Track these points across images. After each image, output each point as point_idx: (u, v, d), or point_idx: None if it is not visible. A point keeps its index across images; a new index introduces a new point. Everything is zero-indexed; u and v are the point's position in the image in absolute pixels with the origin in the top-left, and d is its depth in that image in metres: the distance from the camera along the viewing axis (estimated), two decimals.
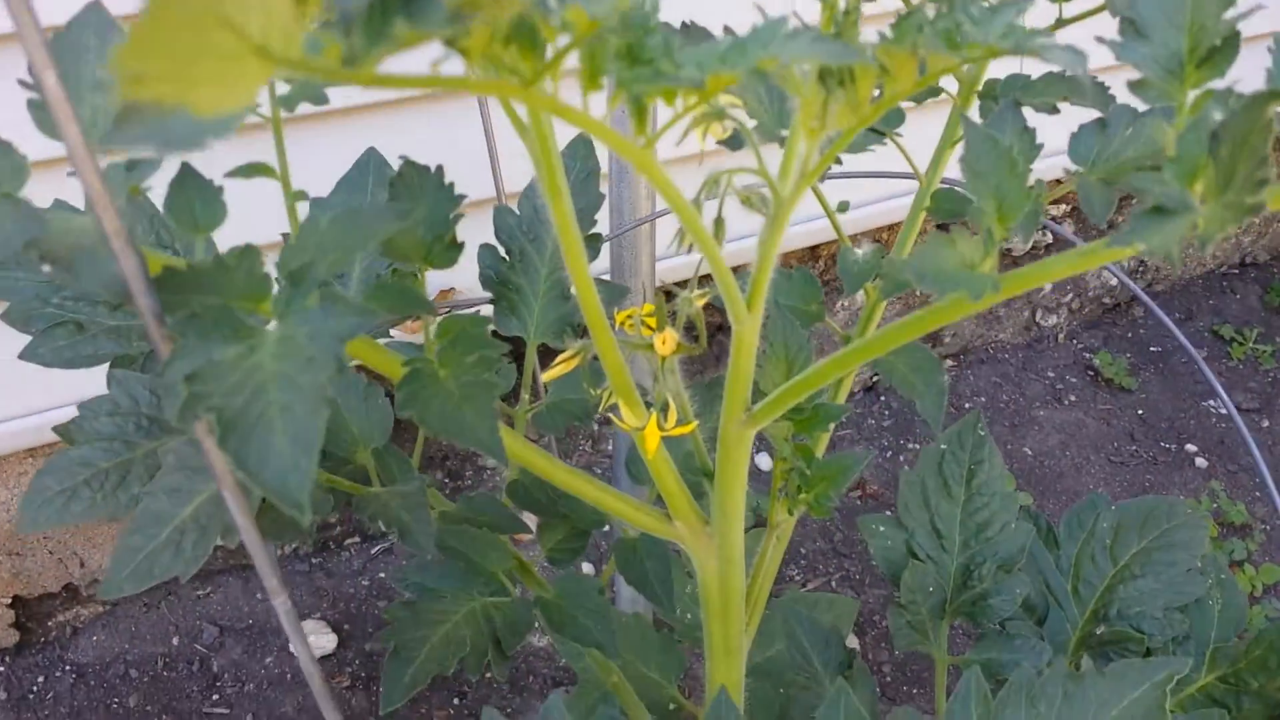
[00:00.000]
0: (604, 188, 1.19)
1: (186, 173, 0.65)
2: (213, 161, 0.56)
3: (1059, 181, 0.90)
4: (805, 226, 1.87)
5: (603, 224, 1.19)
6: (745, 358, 0.72)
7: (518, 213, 1.07)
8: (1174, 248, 0.48)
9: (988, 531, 1.07)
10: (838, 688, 0.70)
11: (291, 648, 1.71)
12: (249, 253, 0.57)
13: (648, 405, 0.76)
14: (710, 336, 2.03)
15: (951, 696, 0.72)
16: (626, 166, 1.28)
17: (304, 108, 0.64)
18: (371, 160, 0.89)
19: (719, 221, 0.65)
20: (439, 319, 0.69)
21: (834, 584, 1.95)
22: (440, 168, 0.72)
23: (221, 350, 0.50)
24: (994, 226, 0.60)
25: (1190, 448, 2.30)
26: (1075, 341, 2.50)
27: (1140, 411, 2.36)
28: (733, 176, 0.64)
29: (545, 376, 0.78)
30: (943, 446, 1.09)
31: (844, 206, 0.89)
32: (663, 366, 0.74)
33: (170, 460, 0.89)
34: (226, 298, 0.56)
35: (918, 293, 2.29)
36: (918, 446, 2.22)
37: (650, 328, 0.76)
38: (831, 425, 0.84)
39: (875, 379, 2.34)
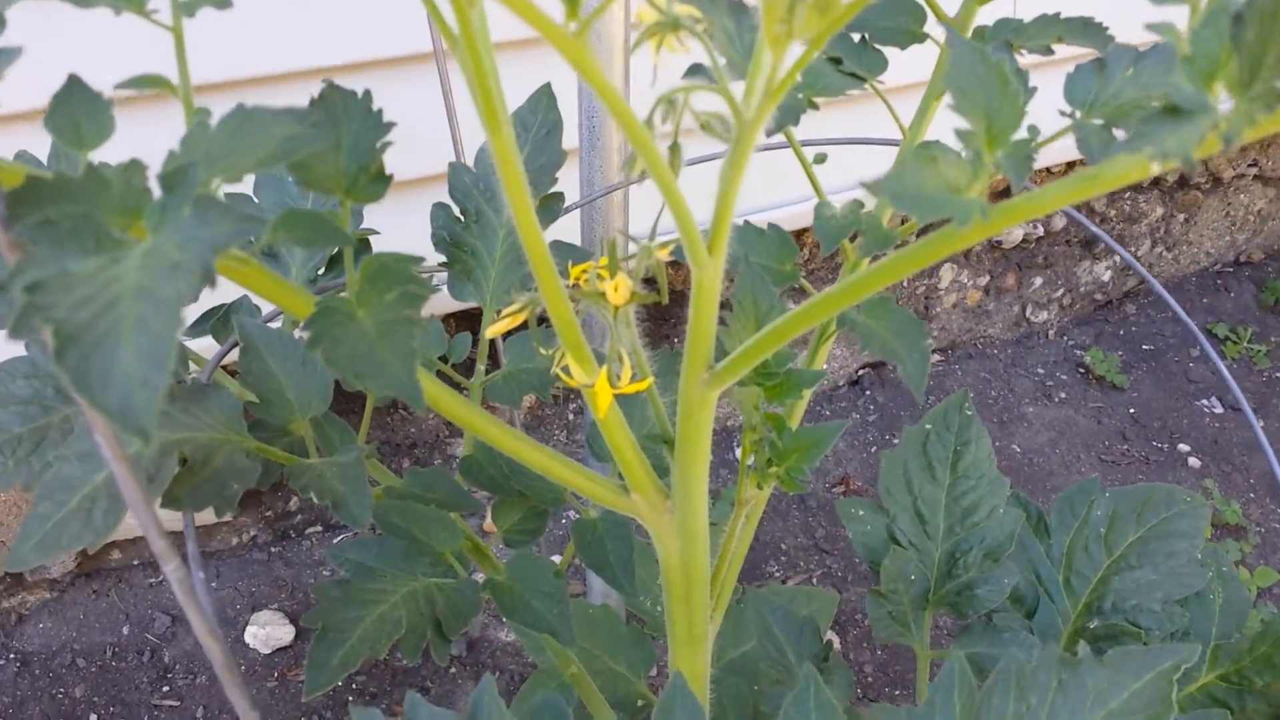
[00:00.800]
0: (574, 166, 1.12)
1: (74, 83, 0.58)
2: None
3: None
4: (787, 210, 1.80)
5: (572, 195, 1.12)
6: (706, 307, 0.65)
7: (474, 170, 1.00)
8: (1190, 151, 0.41)
9: (974, 516, 1.00)
10: (806, 673, 0.62)
11: (247, 637, 1.63)
12: (133, 166, 0.50)
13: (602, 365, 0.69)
14: (675, 303, 1.96)
15: (933, 684, 0.65)
16: (598, 131, 1.20)
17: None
18: None
19: (675, 148, 0.58)
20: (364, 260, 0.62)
21: (815, 580, 1.88)
22: (368, 92, 0.65)
23: (79, 262, 0.43)
24: (983, 148, 0.53)
25: (1183, 447, 2.24)
26: (1066, 338, 2.44)
27: (1132, 410, 2.30)
28: (689, 97, 0.57)
29: (489, 331, 0.71)
30: (927, 426, 1.02)
31: (822, 158, 0.82)
32: (616, 318, 0.66)
33: (84, 423, 0.81)
34: (97, 211, 0.49)
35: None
36: None
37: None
38: (806, 393, 0.77)
39: (860, 372, 2.27)
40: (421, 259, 0.64)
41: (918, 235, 0.79)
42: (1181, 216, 2.49)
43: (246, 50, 1.33)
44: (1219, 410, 2.31)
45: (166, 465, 0.80)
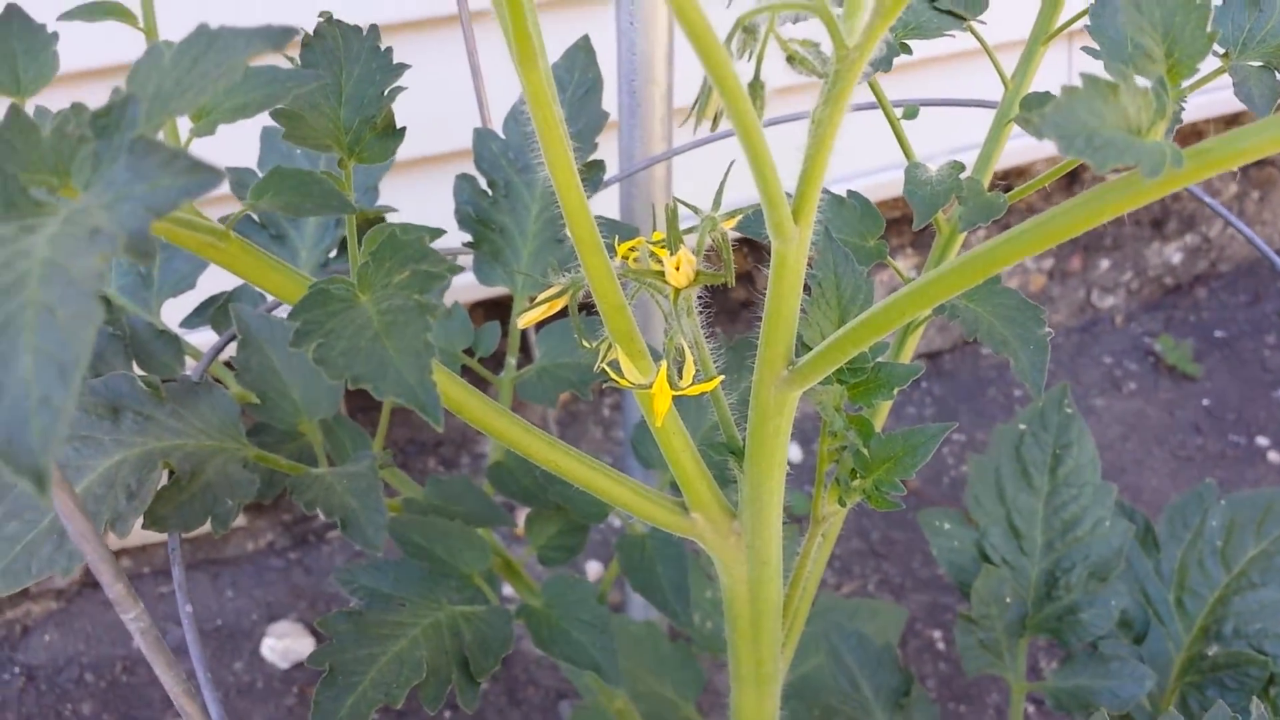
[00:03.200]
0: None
1: (13, 12, 0.47)
2: None
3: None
4: (872, 180, 1.66)
5: (612, 168, 0.99)
6: (789, 290, 0.53)
7: (503, 137, 0.88)
8: None
9: (1076, 530, 0.87)
10: None
11: (264, 650, 1.53)
12: (73, 110, 0.38)
13: (658, 362, 0.57)
14: (722, 288, 1.84)
15: None
16: (639, 97, 1.08)
17: None
18: None
19: (756, 85, 0.46)
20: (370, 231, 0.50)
21: (871, 588, 1.75)
22: (374, 27, 0.53)
23: None
24: (1165, 77, 0.41)
25: (1261, 441, 2.09)
26: (1134, 324, 2.29)
27: (1205, 401, 2.15)
28: (775, 19, 0.45)
29: (523, 320, 0.59)
30: (1021, 426, 0.89)
31: (912, 112, 0.70)
32: (676, 303, 0.54)
33: None
34: (18, 168, 0.37)
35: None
36: (963, 437, 2.02)
37: (662, 262, 0.57)
38: (895, 393, 0.65)
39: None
40: (441, 231, 0.52)
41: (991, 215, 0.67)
42: (1256, 194, 2.34)
43: (245, 8, 1.22)
44: None
45: (149, 479, 0.69)
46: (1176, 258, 2.32)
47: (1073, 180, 2.11)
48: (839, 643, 0.89)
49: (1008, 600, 0.84)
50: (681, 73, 1.12)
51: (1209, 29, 0.43)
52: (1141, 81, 0.40)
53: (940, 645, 1.70)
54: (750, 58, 0.48)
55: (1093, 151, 0.37)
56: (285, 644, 1.53)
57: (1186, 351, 2.21)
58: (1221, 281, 2.41)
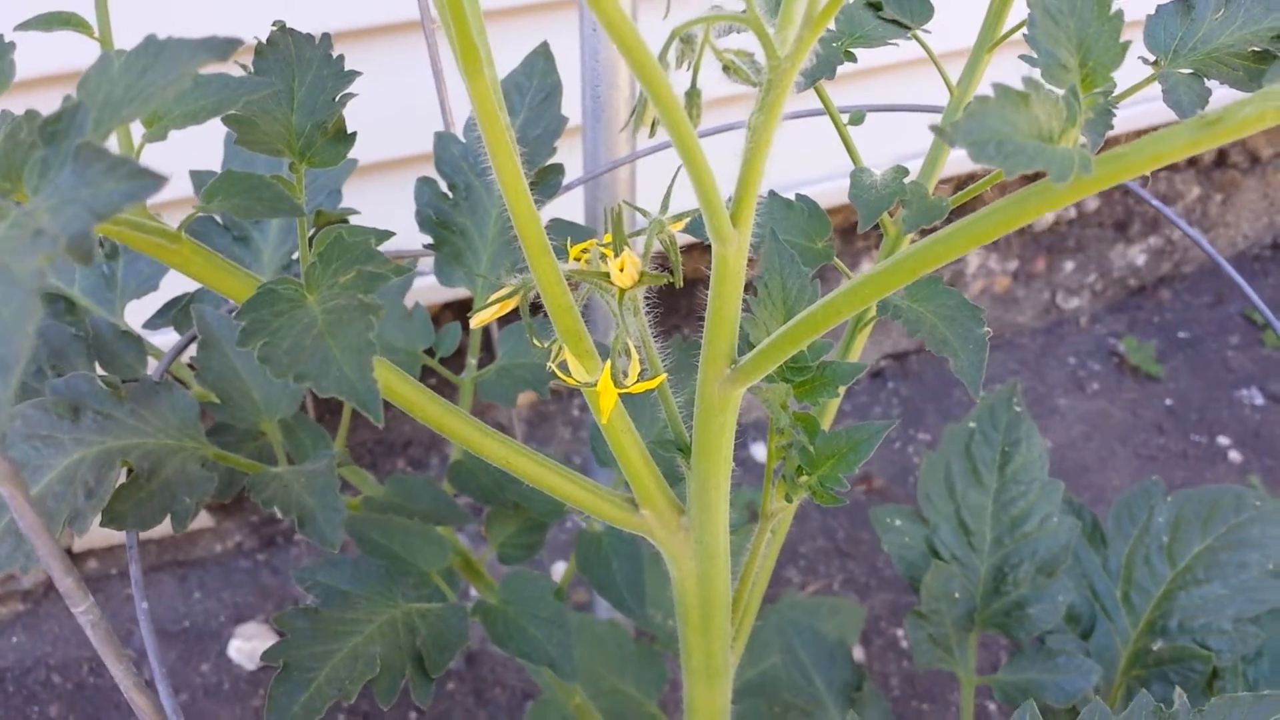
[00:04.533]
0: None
1: None
2: None
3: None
4: (820, 188, 1.68)
5: (574, 174, 1.01)
6: (730, 290, 0.54)
7: (464, 141, 0.90)
8: None
9: (1025, 526, 0.89)
10: None
11: (231, 651, 1.53)
12: (26, 116, 0.40)
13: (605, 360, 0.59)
14: (685, 289, 1.85)
15: None
16: (603, 101, 1.10)
17: None
18: None
19: (693, 93, 0.47)
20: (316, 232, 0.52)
21: (836, 587, 1.77)
22: (326, 35, 0.54)
23: None
24: (1078, 85, 0.43)
25: (1223, 440, 2.12)
26: (1099, 325, 2.32)
27: (1169, 401, 2.18)
28: (710, 29, 0.47)
29: (475, 320, 0.60)
30: (971, 425, 0.91)
31: (859, 118, 0.71)
32: (621, 303, 0.56)
33: (18, 426, 0.71)
34: None
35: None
36: (929, 437, 2.04)
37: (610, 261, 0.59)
38: (841, 391, 0.67)
39: (881, 363, 2.16)
40: (390, 234, 0.53)
41: (951, 213, 0.69)
42: (1219, 197, 2.38)
43: (200, 17, 1.23)
44: (1260, 401, 2.19)
45: (107, 477, 0.70)
46: (1140, 259, 2.35)
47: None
48: (793, 637, 0.91)
49: (956, 595, 0.86)
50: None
51: (1122, 40, 0.45)
52: (1056, 91, 0.42)
53: (903, 643, 1.72)
54: (688, 67, 0.49)
55: (1003, 158, 0.38)
56: (252, 645, 1.53)
57: (1150, 352, 2.24)
58: (1185, 283, 2.45)
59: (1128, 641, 0.94)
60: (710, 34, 0.47)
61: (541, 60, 0.88)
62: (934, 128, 0.38)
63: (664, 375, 0.58)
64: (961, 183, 1.99)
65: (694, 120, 0.47)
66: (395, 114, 1.35)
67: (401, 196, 1.14)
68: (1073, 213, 2.18)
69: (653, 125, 0.48)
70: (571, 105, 0.90)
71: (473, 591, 1.41)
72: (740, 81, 0.47)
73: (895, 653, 1.70)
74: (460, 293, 1.55)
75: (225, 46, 0.39)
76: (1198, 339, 2.32)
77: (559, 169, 0.87)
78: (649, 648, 1.21)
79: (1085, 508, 0.95)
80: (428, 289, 1.50)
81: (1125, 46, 0.45)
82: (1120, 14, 0.45)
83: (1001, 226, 0.45)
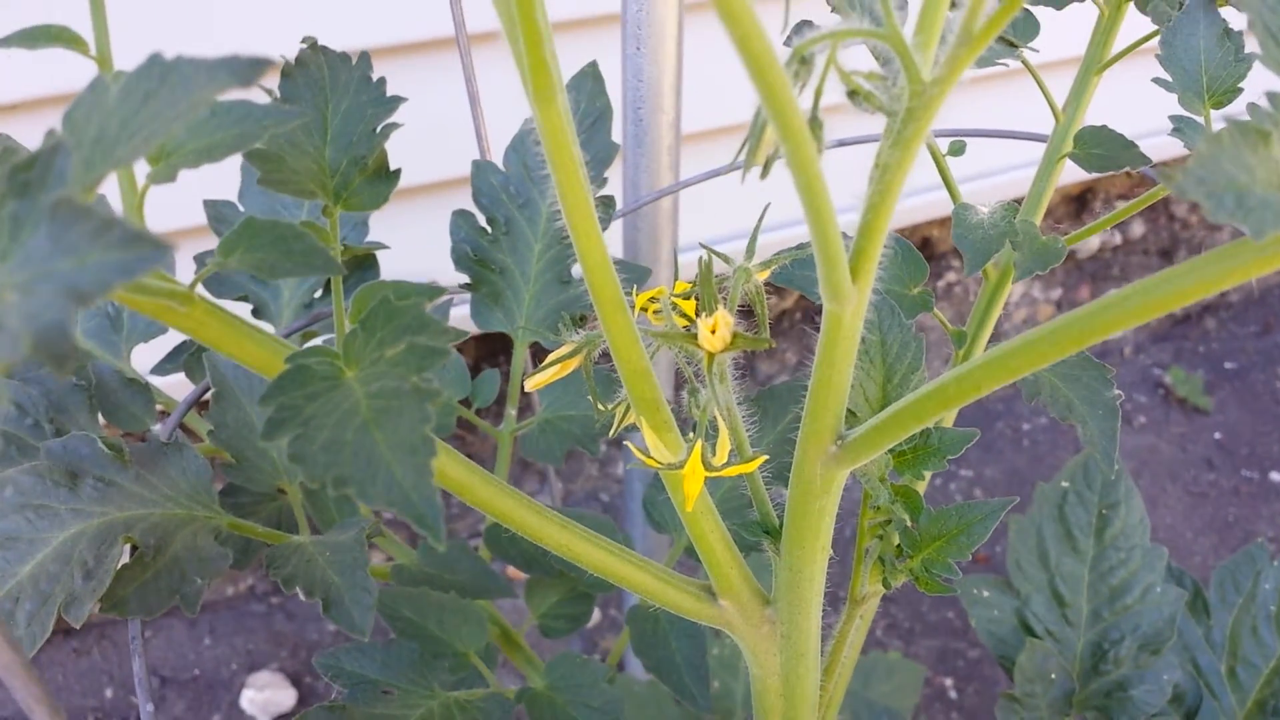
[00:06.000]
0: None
1: None
2: None
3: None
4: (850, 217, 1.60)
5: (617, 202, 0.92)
6: (842, 356, 0.46)
7: (504, 170, 0.81)
8: None
9: (1125, 598, 0.81)
10: None
11: (244, 702, 1.44)
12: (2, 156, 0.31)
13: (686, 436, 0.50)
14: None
15: None
16: (645, 125, 1.02)
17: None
18: None
19: (815, 122, 0.39)
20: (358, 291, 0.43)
21: (879, 633, 1.68)
22: (365, 55, 0.46)
23: None
24: None
25: (1275, 476, 2.03)
26: (1143, 356, 2.23)
27: (1218, 434, 2.09)
28: (836, 48, 0.38)
29: (530, 384, 0.52)
30: (1064, 484, 0.82)
31: (958, 148, 0.63)
32: (710, 369, 0.47)
33: (8, 495, 0.63)
34: None
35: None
36: (970, 474, 1.95)
37: (687, 316, 0.50)
38: (947, 463, 0.58)
39: None
40: (441, 291, 0.45)
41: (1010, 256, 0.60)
42: None
43: (218, 32, 1.15)
44: None
45: (109, 555, 0.61)
46: None
47: (1081, 208, 2.06)
48: (860, 713, 0.82)
49: (1053, 676, 0.77)
50: (689, 101, 1.06)
51: None
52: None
53: (952, 694, 1.63)
54: (800, 90, 0.41)
55: (1244, 214, 0.30)
56: (266, 695, 1.45)
57: (1197, 384, 2.15)
58: (1231, 312, 2.36)
59: None
60: (835, 52, 0.39)
61: (591, 81, 0.80)
62: (1161, 173, 0.29)
63: (761, 458, 0.50)
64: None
65: (818, 148, 0.38)
66: (421, 135, 1.28)
67: (426, 223, 1.06)
68: (1118, 239, 2.09)
69: (767, 163, 0.39)
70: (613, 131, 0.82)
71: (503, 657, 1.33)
72: (872, 110, 0.39)
73: (943, 703, 1.60)
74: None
75: (249, 69, 0.31)
76: (1244, 369, 2.23)
77: (610, 201, 0.79)
78: (692, 712, 1.13)
79: (1186, 574, 0.86)
80: (455, 320, 1.42)
81: None
82: None
83: (1206, 287, 0.37)
